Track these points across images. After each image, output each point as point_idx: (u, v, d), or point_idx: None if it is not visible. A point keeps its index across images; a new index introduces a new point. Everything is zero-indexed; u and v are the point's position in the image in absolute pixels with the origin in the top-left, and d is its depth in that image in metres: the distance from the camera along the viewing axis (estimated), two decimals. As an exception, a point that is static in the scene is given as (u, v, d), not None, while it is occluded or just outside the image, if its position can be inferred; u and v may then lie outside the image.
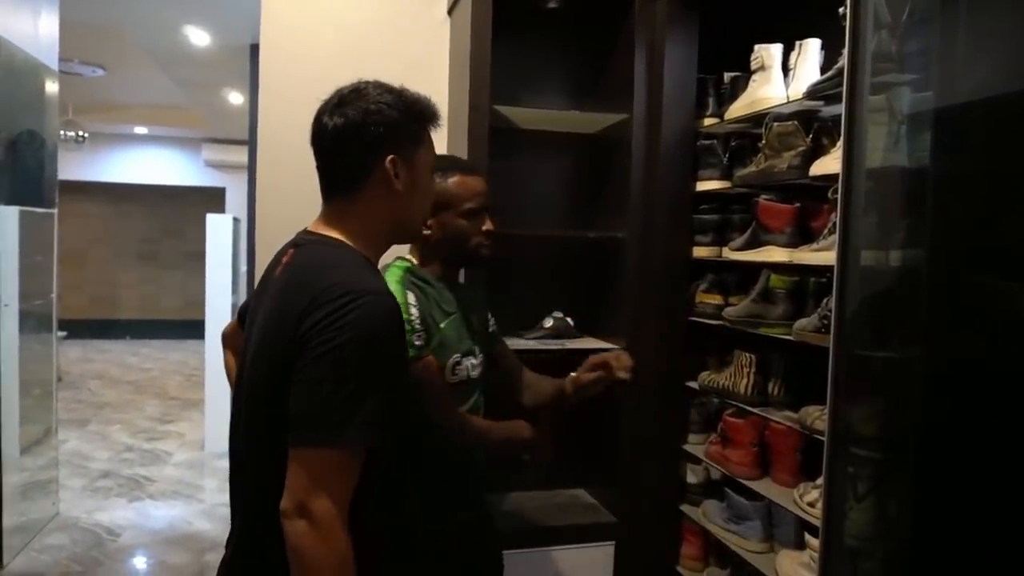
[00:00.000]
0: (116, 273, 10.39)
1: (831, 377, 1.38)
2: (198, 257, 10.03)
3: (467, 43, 2.11)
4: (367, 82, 1.18)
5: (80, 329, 9.18)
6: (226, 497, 4.40)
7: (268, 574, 1.04)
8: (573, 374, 1.67)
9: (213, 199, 9.38)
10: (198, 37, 4.78)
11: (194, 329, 9.95)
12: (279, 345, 1.04)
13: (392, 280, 1.50)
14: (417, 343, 1.44)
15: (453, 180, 1.56)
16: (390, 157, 1.13)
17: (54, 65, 3.68)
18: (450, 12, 2.41)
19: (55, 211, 3.89)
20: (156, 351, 9.45)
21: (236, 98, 6.65)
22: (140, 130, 9.00)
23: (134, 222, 10.39)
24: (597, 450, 2.36)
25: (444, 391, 1.49)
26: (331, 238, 1.14)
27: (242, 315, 1.35)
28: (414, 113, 1.17)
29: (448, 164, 1.58)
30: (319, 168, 1.18)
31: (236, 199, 9.09)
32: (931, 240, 1.31)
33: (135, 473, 4.60)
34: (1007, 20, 1.28)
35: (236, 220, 5.24)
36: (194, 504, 4.09)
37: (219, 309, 4.99)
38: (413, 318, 1.46)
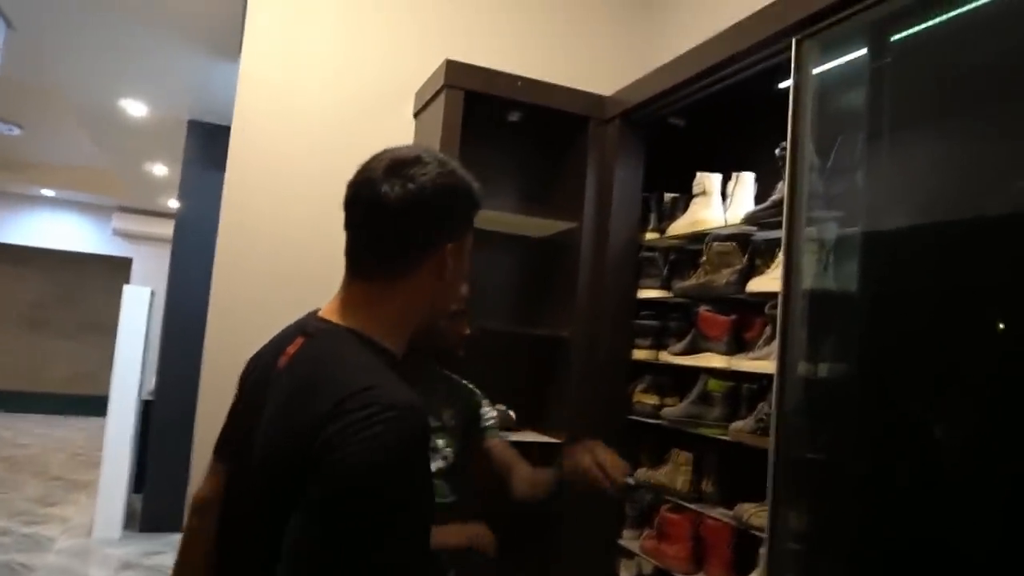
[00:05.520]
0: (-5, 339, 9.68)
1: (771, 476, 1.53)
2: (93, 328, 9.61)
3: (433, 146, 2.26)
4: (423, 149, 1.01)
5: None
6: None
7: None
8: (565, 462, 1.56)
9: (116, 269, 9.03)
10: (135, 108, 4.78)
11: (81, 404, 9.40)
12: (289, 452, 0.86)
13: None
14: None
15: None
16: (450, 245, 0.99)
17: (-16, 124, 3.59)
18: (416, 115, 2.57)
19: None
20: (36, 426, 8.75)
21: (160, 170, 6.57)
22: (47, 192, 8.66)
23: (25, 286, 9.79)
24: (533, 545, 2.40)
25: None
26: (352, 330, 0.96)
27: (219, 448, 1.11)
28: (472, 198, 1.03)
29: None
30: (361, 239, 0.99)
31: (143, 270, 8.79)
32: (859, 353, 1.50)
33: (11, 560, 4.20)
34: (917, 165, 1.54)
35: (152, 293, 5.08)
36: (79, 596, 3.78)
37: (127, 384, 4.76)
38: None
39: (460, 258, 1.02)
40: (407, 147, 1.01)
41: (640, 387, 2.32)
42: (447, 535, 1.55)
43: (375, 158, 0.99)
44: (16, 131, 6.12)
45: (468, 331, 1.67)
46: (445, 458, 1.64)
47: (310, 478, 0.81)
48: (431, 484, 0.92)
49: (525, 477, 1.67)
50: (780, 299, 1.58)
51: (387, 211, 0.95)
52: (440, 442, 1.64)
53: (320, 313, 1.01)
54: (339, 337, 0.95)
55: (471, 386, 1.81)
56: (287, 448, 0.87)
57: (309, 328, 0.99)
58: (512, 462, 1.70)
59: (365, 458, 0.80)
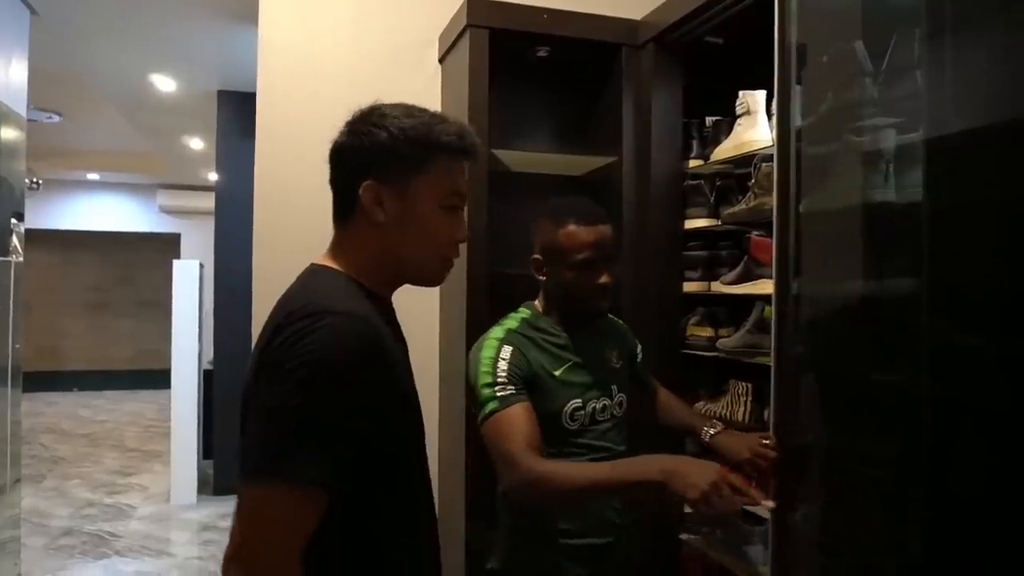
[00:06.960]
0: (62, 323, 10.04)
1: (773, 397, 1.45)
2: (150, 305, 9.91)
3: (461, 90, 2.19)
4: (383, 104, 1.08)
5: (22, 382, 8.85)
6: (197, 550, 4.28)
7: None
8: (713, 431, 1.56)
9: (167, 245, 9.23)
10: (164, 84, 4.78)
11: (147, 379, 9.76)
12: (251, 370, 0.96)
13: (493, 336, 1.52)
14: (500, 394, 1.41)
15: (564, 230, 1.51)
16: (366, 183, 1.02)
17: (23, 112, 3.63)
18: (442, 60, 2.49)
19: (11, 259, 3.80)
20: (108, 402, 9.15)
21: (197, 143, 6.62)
22: (92, 176, 8.85)
23: (83, 270, 10.11)
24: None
25: (515, 444, 1.35)
26: (321, 266, 1.06)
27: None
28: (414, 137, 1.03)
29: (565, 211, 1.54)
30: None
31: (192, 244, 8.96)
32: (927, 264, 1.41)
33: (99, 529, 4.43)
34: (976, 63, 1.41)
35: (201, 265, 5.17)
36: (164, 559, 3.96)
37: (186, 355, 4.90)
38: (499, 370, 1.43)
39: (403, 201, 1.04)
40: (373, 103, 1.09)
41: (693, 320, 2.26)
42: (630, 468, 1.33)
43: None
44: (56, 119, 6.22)
45: (604, 279, 1.52)
46: (620, 404, 1.62)
47: (258, 382, 0.92)
48: (383, 389, 0.94)
49: (662, 402, 1.76)
50: (775, 215, 1.45)
51: (331, 163, 1.08)
52: (614, 387, 1.61)
53: (315, 260, 1.11)
54: (316, 273, 1.06)
55: (622, 323, 1.85)
56: (251, 366, 0.96)
57: (303, 272, 1.09)
58: (648, 388, 1.81)
59: (302, 357, 0.87)
